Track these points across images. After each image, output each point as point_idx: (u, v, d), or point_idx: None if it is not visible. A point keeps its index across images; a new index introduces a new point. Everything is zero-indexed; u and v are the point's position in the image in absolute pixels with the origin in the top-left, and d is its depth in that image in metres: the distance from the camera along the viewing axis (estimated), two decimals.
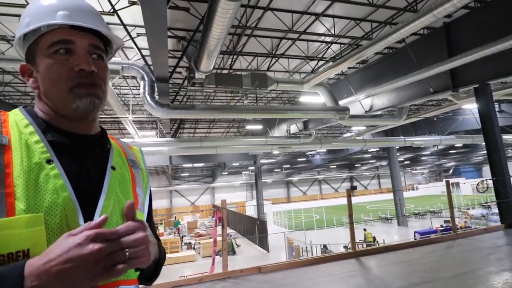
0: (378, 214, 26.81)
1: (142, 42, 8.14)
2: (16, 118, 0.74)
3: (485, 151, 7.77)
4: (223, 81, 8.74)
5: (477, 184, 9.24)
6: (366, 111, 12.00)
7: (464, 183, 36.74)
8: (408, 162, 44.53)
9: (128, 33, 6.35)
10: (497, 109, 15.30)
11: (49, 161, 0.69)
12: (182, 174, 40.31)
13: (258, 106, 11.82)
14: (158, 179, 39.46)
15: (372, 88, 9.93)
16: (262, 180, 26.78)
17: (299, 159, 35.82)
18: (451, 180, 6.58)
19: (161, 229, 24.38)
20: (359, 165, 45.98)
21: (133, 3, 6.66)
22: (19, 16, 7.02)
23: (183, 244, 18.94)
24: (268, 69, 10.86)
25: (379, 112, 12.52)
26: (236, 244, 17.60)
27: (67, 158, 0.72)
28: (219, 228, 6.56)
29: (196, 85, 8.63)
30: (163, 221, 27.28)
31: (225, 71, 10.73)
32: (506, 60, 7.31)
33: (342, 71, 11.66)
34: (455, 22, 8.05)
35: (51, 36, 0.74)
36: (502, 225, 6.43)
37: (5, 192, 0.62)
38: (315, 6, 7.72)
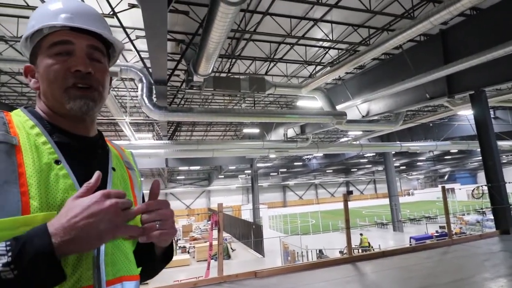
0: (373, 219, 26.86)
1: (141, 44, 8.15)
2: (20, 119, 0.76)
3: (480, 157, 7.83)
4: (221, 84, 8.76)
5: (473, 190, 9.29)
6: (363, 116, 12.07)
7: (460, 189, 36.96)
8: (404, 167, 44.73)
9: (127, 36, 6.35)
10: (492, 116, 15.48)
11: (57, 162, 0.71)
12: (178, 177, 40.13)
13: (255, 109, 11.84)
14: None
15: (369, 94, 10.00)
16: (259, 184, 26.75)
17: (295, 163, 35.86)
18: (447, 186, 6.61)
19: None
20: (355, 170, 46.09)
21: (133, 6, 6.67)
22: (17, 17, 7.02)
23: (177, 247, 18.79)
24: (266, 73, 10.90)
25: (376, 117, 12.60)
26: (231, 248, 17.51)
27: (73, 159, 0.75)
28: (215, 232, 6.54)
29: (194, 88, 8.64)
30: None
31: (224, 75, 10.76)
32: (501, 67, 7.41)
33: (339, 76, 11.74)
34: (452, 29, 8.15)
35: (52, 37, 0.77)
36: (497, 231, 6.47)
37: (20, 191, 0.64)
38: (314, 12, 7.78)
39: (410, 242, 14.68)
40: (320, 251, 14.16)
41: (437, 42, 8.43)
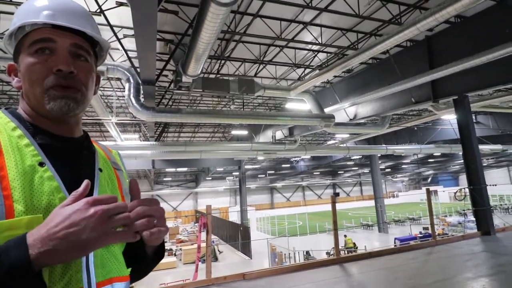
0: (359, 220, 27.24)
1: (129, 43, 8.03)
2: (1, 121, 0.73)
3: (462, 161, 8.05)
4: (210, 85, 8.70)
5: (455, 192, 9.55)
6: (351, 119, 12.24)
7: (444, 191, 37.94)
8: (389, 170, 45.64)
9: (115, 34, 6.23)
10: (474, 120, 16.01)
11: (41, 164, 0.69)
12: (164, 179, 39.63)
13: (244, 111, 11.85)
14: (140, 183, 38.10)
15: (356, 97, 10.15)
16: (246, 186, 26.71)
17: (283, 165, 36.01)
18: (430, 188, 6.77)
19: None
20: (342, 172, 46.70)
21: (121, 4, 6.57)
22: (1, 12, 6.79)
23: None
24: (255, 75, 10.91)
25: (363, 121, 12.79)
26: (218, 250, 17.39)
27: (58, 161, 0.73)
28: (203, 234, 6.48)
29: (183, 89, 8.56)
30: None
31: (213, 76, 10.71)
32: (484, 73, 7.66)
33: (328, 79, 11.87)
34: (437, 36, 8.38)
35: (33, 35, 0.75)
36: (478, 232, 6.66)
37: (3, 195, 0.62)
38: (304, 15, 7.85)
39: (394, 243, 14.94)
40: (307, 252, 14.24)
41: (422, 48, 8.65)
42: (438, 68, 7.45)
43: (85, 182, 0.63)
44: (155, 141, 14.60)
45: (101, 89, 11.95)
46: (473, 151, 7.47)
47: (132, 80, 7.73)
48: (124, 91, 8.08)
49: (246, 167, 29.37)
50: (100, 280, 0.69)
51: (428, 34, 8.49)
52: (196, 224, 25.87)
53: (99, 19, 6.33)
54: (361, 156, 29.48)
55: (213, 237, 21.11)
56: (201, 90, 8.60)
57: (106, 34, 7.61)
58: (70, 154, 0.77)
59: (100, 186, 0.78)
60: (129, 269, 0.81)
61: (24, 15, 0.75)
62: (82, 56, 0.78)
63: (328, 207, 5.36)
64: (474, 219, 7.56)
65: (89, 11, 6.37)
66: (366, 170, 40.88)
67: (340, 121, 12.02)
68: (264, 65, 10.53)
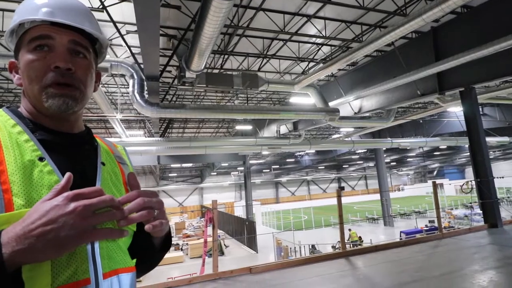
0: (365, 214, 27.21)
1: (132, 39, 8.02)
2: (2, 118, 0.74)
3: (468, 153, 7.97)
4: (214, 80, 8.69)
5: (462, 185, 9.49)
6: (355, 113, 12.16)
7: (450, 184, 37.69)
8: (394, 163, 45.37)
9: (118, 30, 6.24)
10: (480, 113, 15.84)
11: (41, 159, 0.69)
12: (170, 175, 39.87)
13: (248, 106, 11.81)
14: (146, 179, 38.91)
15: (361, 90, 10.07)
16: (251, 181, 26.77)
17: (288, 160, 35.98)
18: (436, 181, 6.72)
19: None
20: (347, 166, 46.56)
21: (123, 0, 6.55)
22: (1, 10, 6.82)
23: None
24: (259, 70, 10.86)
25: (367, 114, 12.70)
26: (224, 245, 17.52)
27: (58, 155, 0.73)
28: (209, 229, 6.52)
29: (186, 85, 8.54)
30: None
31: (216, 71, 10.68)
32: (491, 65, 7.54)
33: (332, 72, 11.77)
34: (442, 27, 8.24)
35: (32, 32, 0.75)
36: (485, 225, 6.62)
37: (2, 189, 0.62)
38: (307, 8, 7.77)
39: (400, 236, 14.91)
40: (313, 246, 14.28)
41: (428, 39, 8.52)
42: (445, 60, 7.34)
43: (67, 174, 0.61)
44: (160, 137, 14.68)
45: (106, 85, 11.99)
46: (480, 144, 7.39)
47: (136, 76, 7.74)
48: (128, 88, 8.10)
49: (251, 162, 29.43)
50: (106, 271, 0.69)
51: (434, 25, 8.35)
52: (202, 219, 26.07)
53: (102, 15, 6.32)
54: (366, 150, 29.35)
55: (219, 231, 21.26)
56: (204, 86, 8.59)
57: (109, 30, 7.62)
58: (70, 149, 0.77)
59: (103, 180, 0.78)
60: (134, 260, 0.81)
61: (23, 12, 0.75)
62: (81, 53, 0.78)
63: (333, 201, 5.37)
64: (480, 211, 7.51)
65: (92, 7, 6.41)
66: (371, 164, 40.73)
67: (345, 114, 11.95)
68: (267, 59, 10.47)
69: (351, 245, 13.47)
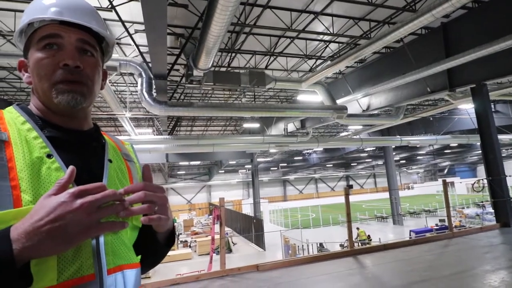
0: (373, 213, 26.98)
1: (140, 38, 8.09)
2: (12, 115, 0.76)
3: (480, 151, 7.82)
4: (221, 79, 8.71)
5: (473, 184, 9.33)
6: (364, 110, 12.03)
7: (461, 182, 37.05)
8: (404, 161, 44.82)
9: (126, 30, 6.30)
10: (492, 110, 15.51)
11: (49, 156, 0.71)
12: (178, 172, 40.20)
13: (256, 104, 11.80)
14: (154, 177, 39.09)
15: (369, 87, 9.95)
16: (259, 179, 26.78)
17: (295, 158, 35.89)
18: (446, 180, 6.61)
19: None
20: (355, 164, 46.18)
21: None
22: (14, 11, 6.95)
23: (179, 242, 18.90)
24: (266, 68, 10.84)
25: (376, 112, 12.56)
26: (232, 242, 17.61)
27: (66, 153, 0.74)
28: (216, 226, 6.56)
29: (194, 83, 8.58)
30: None
31: (223, 69, 10.70)
32: (502, 61, 7.36)
33: (340, 70, 11.68)
34: (453, 22, 8.08)
35: (41, 31, 0.77)
36: (497, 224, 6.49)
37: (10, 185, 0.63)
38: (314, 5, 7.71)
39: (410, 235, 14.75)
40: (321, 244, 14.24)
41: (438, 35, 8.37)
42: (455, 56, 7.19)
43: (70, 168, 0.62)
44: (168, 135, 14.78)
45: (115, 84, 12.14)
46: (492, 141, 7.24)
47: (144, 75, 7.81)
48: (136, 86, 8.18)
49: (259, 160, 29.44)
50: (111, 267, 0.70)
51: (444, 21, 8.20)
52: (210, 217, 26.22)
53: (111, 15, 6.39)
54: (374, 148, 29.07)
55: (227, 229, 21.38)
56: (212, 84, 8.62)
57: (117, 29, 7.69)
58: (78, 146, 0.79)
59: (109, 177, 0.79)
60: (139, 257, 0.82)
61: (33, 12, 0.77)
62: (88, 51, 0.81)
63: (341, 199, 5.32)
64: (492, 210, 7.36)
65: (101, 7, 6.47)
66: (380, 162, 40.28)
67: (353, 112, 11.84)
68: (274, 57, 10.44)
69: (359, 244, 13.39)
